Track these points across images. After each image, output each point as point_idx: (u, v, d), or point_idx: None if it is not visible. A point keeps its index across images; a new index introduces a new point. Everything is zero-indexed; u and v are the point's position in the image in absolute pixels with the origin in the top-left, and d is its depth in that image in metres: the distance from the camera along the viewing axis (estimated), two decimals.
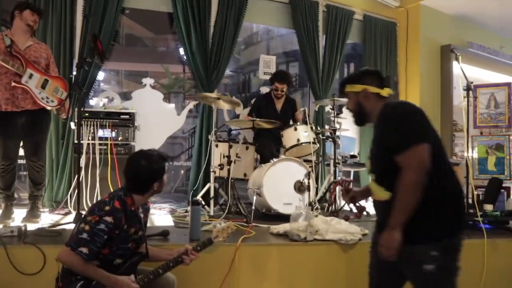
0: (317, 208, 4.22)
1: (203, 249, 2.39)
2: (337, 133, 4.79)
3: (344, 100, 5.26)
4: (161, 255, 2.46)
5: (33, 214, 3.71)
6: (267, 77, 5.69)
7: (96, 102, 5.31)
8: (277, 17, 6.01)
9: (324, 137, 5.05)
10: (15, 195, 3.88)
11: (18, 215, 3.75)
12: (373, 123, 2.15)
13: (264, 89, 5.89)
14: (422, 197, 1.83)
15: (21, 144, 3.78)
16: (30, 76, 3.55)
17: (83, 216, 2.26)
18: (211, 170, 4.37)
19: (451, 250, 1.90)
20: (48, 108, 3.68)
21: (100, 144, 4.33)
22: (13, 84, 3.47)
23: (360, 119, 2.24)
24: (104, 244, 2.13)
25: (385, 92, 2.14)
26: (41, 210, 3.90)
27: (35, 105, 3.59)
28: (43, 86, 3.61)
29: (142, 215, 2.38)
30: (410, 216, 1.84)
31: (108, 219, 2.12)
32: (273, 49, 17.21)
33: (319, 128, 4.94)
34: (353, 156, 5.69)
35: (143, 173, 2.27)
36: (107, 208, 2.14)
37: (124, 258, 2.27)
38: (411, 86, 6.54)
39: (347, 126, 5.18)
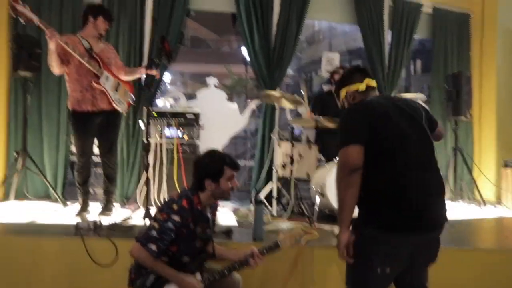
0: None
1: (269, 252, 2.38)
2: None
3: (413, 96, 5.05)
4: (227, 254, 2.49)
5: (107, 208, 3.93)
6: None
7: (162, 102, 5.52)
8: (340, 13, 5.86)
9: None
10: (90, 191, 4.12)
11: (93, 209, 3.96)
12: None
13: (326, 88, 5.78)
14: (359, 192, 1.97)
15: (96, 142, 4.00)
16: (107, 78, 3.74)
17: (154, 214, 2.34)
18: (274, 169, 4.37)
19: (368, 238, 1.97)
20: (119, 110, 3.87)
21: (166, 143, 4.48)
22: (94, 84, 3.66)
23: None
24: (171, 242, 2.20)
25: (363, 84, 2.23)
26: (114, 204, 4.11)
27: (110, 105, 3.79)
28: (116, 89, 3.82)
29: (209, 215, 2.41)
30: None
31: (176, 218, 2.18)
32: (335, 47, 16.92)
33: None
34: None
35: (199, 167, 2.35)
36: (175, 207, 2.21)
37: (192, 256, 2.33)
38: (487, 81, 6.11)
39: None
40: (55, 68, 3.65)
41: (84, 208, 3.86)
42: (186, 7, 5.00)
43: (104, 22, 3.80)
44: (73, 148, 4.60)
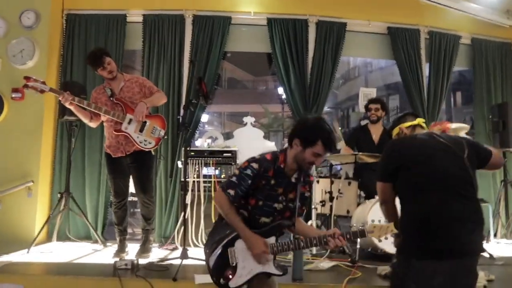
0: None
1: (352, 238, 2.27)
2: None
3: (457, 126, 4.85)
4: (308, 231, 2.39)
5: (145, 249, 3.90)
6: None
7: (200, 143, 5.59)
8: (376, 48, 5.85)
9: None
10: (128, 230, 4.13)
11: (132, 249, 3.98)
12: None
13: (364, 123, 5.69)
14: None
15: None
16: (129, 121, 3.74)
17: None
18: (313, 206, 4.26)
19: (402, 268, 2.16)
20: (146, 150, 3.81)
21: (204, 182, 4.50)
22: (114, 132, 3.74)
23: None
24: (249, 190, 2.24)
25: (415, 122, 2.52)
26: (152, 244, 4.09)
27: (136, 147, 3.79)
28: (141, 129, 3.76)
29: (296, 182, 2.34)
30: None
31: (255, 165, 2.23)
32: (372, 82, 16.85)
33: None
34: None
35: (298, 124, 2.37)
36: (258, 156, 2.28)
37: (270, 219, 2.30)
38: None
39: None
40: (89, 123, 3.87)
41: (121, 249, 3.87)
42: (223, 50, 5.15)
43: (102, 69, 3.74)
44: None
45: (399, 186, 2.25)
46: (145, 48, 5.06)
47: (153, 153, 3.97)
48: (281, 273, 2.27)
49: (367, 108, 4.84)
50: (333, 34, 5.36)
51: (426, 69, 5.70)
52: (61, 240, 4.54)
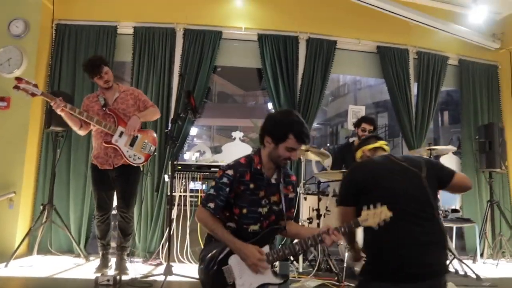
0: None
1: (347, 230, 2.17)
2: None
3: (442, 148, 4.89)
4: (302, 233, 2.31)
5: (122, 267, 3.71)
6: None
7: (189, 156, 5.55)
8: (365, 67, 5.91)
9: None
10: (112, 244, 4.00)
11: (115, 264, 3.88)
12: None
13: (351, 140, 5.71)
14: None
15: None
16: (120, 134, 3.67)
17: None
18: (300, 223, 4.22)
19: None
20: (134, 165, 3.73)
21: (191, 196, 4.44)
22: (104, 144, 3.66)
23: None
24: (229, 199, 2.16)
25: (377, 144, 2.53)
26: (127, 261, 3.91)
27: (125, 161, 3.70)
28: (132, 144, 3.69)
29: (280, 185, 2.28)
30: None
31: (230, 172, 2.15)
32: (361, 100, 16.98)
33: None
34: (455, 211, 5.18)
35: (266, 121, 2.27)
36: (231, 163, 2.20)
37: (260, 226, 2.22)
38: None
39: None
40: (78, 131, 3.77)
41: (103, 264, 3.76)
42: (213, 64, 5.15)
43: (99, 78, 3.70)
44: None
45: (360, 210, 2.16)
46: (135, 60, 5.04)
47: (141, 168, 3.91)
48: (282, 281, 2.16)
49: (358, 125, 4.77)
50: (323, 51, 5.40)
51: (414, 88, 5.77)
52: (42, 254, 4.42)
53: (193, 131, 11.82)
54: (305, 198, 4.36)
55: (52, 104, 3.53)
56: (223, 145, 5.74)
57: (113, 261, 3.88)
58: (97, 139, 3.75)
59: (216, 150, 7.06)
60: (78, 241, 4.51)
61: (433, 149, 4.50)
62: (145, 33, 5.07)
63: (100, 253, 3.82)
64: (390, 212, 2.08)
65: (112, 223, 3.94)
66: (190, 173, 4.49)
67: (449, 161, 5.82)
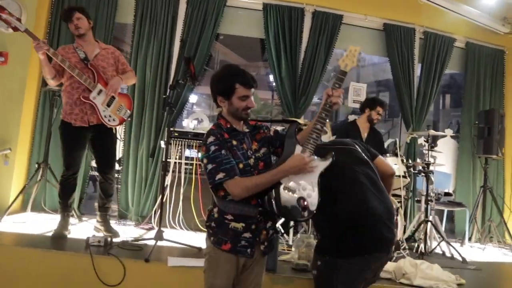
0: (404, 248, 3.89)
1: (340, 82, 2.23)
2: (431, 167, 4.41)
3: (440, 133, 4.88)
4: (308, 127, 2.27)
5: (111, 230, 3.71)
6: (357, 105, 5.46)
7: (187, 123, 5.52)
8: (370, 44, 5.80)
9: (416, 171, 4.72)
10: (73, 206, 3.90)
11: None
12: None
13: (353, 118, 5.67)
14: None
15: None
16: (99, 92, 3.52)
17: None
18: None
19: (330, 266, 2.14)
20: (108, 126, 3.62)
21: (186, 164, 4.44)
22: (82, 99, 3.48)
23: None
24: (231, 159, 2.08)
25: None
26: (110, 223, 3.87)
27: (100, 120, 3.57)
28: (109, 104, 3.58)
29: (254, 133, 2.27)
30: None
31: (211, 139, 2.08)
32: (363, 77, 16.77)
33: (410, 161, 4.62)
34: (447, 194, 5.22)
35: (211, 83, 2.22)
36: (206, 133, 2.15)
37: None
38: None
39: (442, 161, 4.77)
40: (49, 80, 3.54)
41: (63, 226, 3.60)
42: (216, 31, 5.05)
43: (71, 24, 3.53)
44: (93, 163, 4.62)
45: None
46: (136, 22, 4.93)
47: (113, 131, 3.82)
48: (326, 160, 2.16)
49: (373, 107, 4.68)
50: (328, 25, 5.29)
51: (418, 70, 5.69)
52: (35, 211, 4.46)
53: (193, 98, 11.73)
54: None
55: (34, 44, 3.32)
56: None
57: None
58: (72, 94, 3.51)
59: (215, 118, 7.01)
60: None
61: (432, 132, 4.47)
62: None
63: (62, 213, 3.65)
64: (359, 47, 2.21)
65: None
66: (187, 140, 4.48)
67: (446, 145, 5.82)
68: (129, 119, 3.79)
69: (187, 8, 5.00)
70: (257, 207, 2.10)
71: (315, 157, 2.14)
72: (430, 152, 4.44)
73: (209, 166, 2.06)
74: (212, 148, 2.06)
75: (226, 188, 2.05)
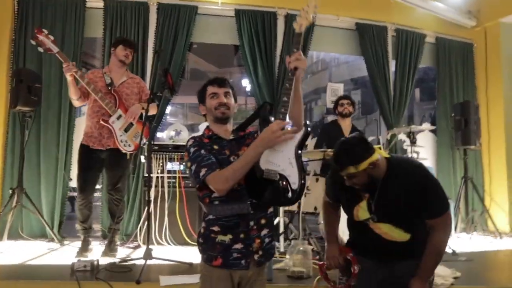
0: None
1: (298, 45, 2.15)
2: None
3: (421, 127, 4.93)
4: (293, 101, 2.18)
5: (111, 248, 3.73)
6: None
7: (165, 135, 5.39)
8: (343, 44, 5.85)
9: None
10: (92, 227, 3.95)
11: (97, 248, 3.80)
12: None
13: (330, 118, 5.68)
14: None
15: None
16: (119, 117, 3.70)
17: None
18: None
19: None
20: (123, 151, 3.74)
21: (168, 177, 4.33)
22: (100, 122, 3.64)
23: (370, 186, 2.21)
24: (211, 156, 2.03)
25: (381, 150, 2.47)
26: (118, 243, 3.94)
27: (116, 144, 3.71)
28: (126, 130, 3.74)
29: (242, 141, 2.18)
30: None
31: (190, 142, 2.08)
32: (337, 76, 17.00)
33: None
34: None
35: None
36: (186, 143, 2.13)
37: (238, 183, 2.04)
38: (494, 110, 6.02)
39: (424, 155, 4.81)
40: (74, 100, 3.74)
41: (85, 248, 3.70)
42: (189, 40, 4.96)
43: (124, 48, 3.80)
44: (73, 184, 4.47)
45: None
46: (106, 36, 4.78)
47: (127, 157, 3.87)
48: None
49: (337, 103, 4.82)
50: None
51: (392, 66, 5.76)
52: (12, 239, 4.24)
53: (167, 109, 11.56)
54: None
55: (64, 65, 3.52)
56: (199, 124, 5.61)
57: (93, 244, 3.84)
58: (92, 118, 3.71)
59: (192, 129, 6.91)
60: (51, 225, 4.35)
61: (414, 127, 4.51)
62: (116, 8, 4.81)
63: (82, 237, 3.75)
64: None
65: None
66: (168, 153, 4.37)
67: (425, 138, 5.89)
68: (144, 146, 3.86)
69: (158, 18, 4.90)
70: (247, 203, 2.02)
71: (289, 122, 2.03)
72: (412, 147, 4.47)
73: (193, 168, 2.01)
74: (192, 150, 2.05)
75: (209, 186, 1.97)
